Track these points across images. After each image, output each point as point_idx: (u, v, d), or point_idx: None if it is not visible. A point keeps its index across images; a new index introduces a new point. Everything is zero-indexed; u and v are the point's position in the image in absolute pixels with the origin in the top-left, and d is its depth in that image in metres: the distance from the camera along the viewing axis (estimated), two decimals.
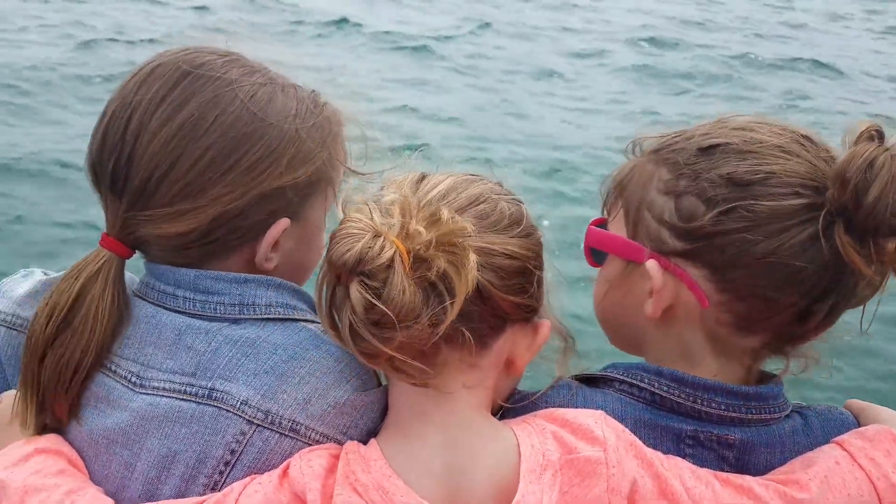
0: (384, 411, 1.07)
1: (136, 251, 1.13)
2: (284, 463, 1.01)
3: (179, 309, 1.10)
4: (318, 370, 1.04)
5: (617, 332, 1.22)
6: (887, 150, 0.98)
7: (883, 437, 1.06)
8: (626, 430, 1.01)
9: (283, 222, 1.12)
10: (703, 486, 1.01)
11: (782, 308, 1.05)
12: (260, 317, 1.09)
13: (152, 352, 1.09)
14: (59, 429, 1.11)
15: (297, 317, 1.10)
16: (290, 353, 1.05)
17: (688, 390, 1.07)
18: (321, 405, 1.03)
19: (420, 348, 0.92)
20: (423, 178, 1.02)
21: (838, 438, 1.07)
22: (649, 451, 1.01)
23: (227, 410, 1.03)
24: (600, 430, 0.99)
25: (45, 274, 1.22)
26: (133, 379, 1.08)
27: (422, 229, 0.89)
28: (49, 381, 1.07)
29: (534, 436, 0.99)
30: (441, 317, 0.89)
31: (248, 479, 1.01)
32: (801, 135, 1.07)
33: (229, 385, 1.04)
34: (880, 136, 1.01)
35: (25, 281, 1.21)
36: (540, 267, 1.03)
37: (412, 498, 0.95)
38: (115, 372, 1.09)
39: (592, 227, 1.19)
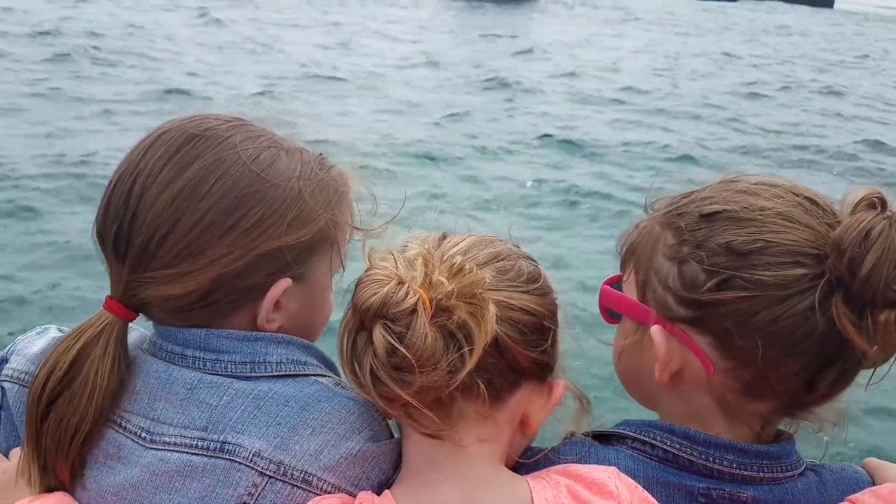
0: (396, 463, 1.06)
1: (140, 314, 1.12)
2: None
3: (190, 367, 1.10)
4: (330, 421, 1.04)
5: (633, 387, 1.22)
6: (886, 218, 0.97)
7: None
8: (639, 487, 1.01)
9: (285, 282, 1.12)
10: None
11: (786, 377, 1.03)
12: (271, 374, 1.09)
13: (163, 407, 1.08)
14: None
15: (308, 372, 1.10)
16: (302, 405, 1.05)
17: (699, 448, 1.07)
18: (333, 456, 1.03)
19: (437, 396, 0.93)
20: (444, 236, 1.07)
21: (852, 497, 1.07)
22: None
23: (240, 462, 1.02)
24: (614, 485, 0.98)
25: (61, 331, 1.23)
26: (143, 434, 1.08)
27: (444, 280, 0.92)
28: (50, 444, 1.06)
29: (548, 489, 0.99)
30: (459, 365, 0.91)
31: None
32: (806, 198, 1.05)
33: (241, 437, 1.03)
34: (882, 203, 0.99)
35: (40, 339, 1.22)
36: (555, 326, 1.06)
37: None
38: (124, 427, 1.09)
39: (605, 286, 1.20)
